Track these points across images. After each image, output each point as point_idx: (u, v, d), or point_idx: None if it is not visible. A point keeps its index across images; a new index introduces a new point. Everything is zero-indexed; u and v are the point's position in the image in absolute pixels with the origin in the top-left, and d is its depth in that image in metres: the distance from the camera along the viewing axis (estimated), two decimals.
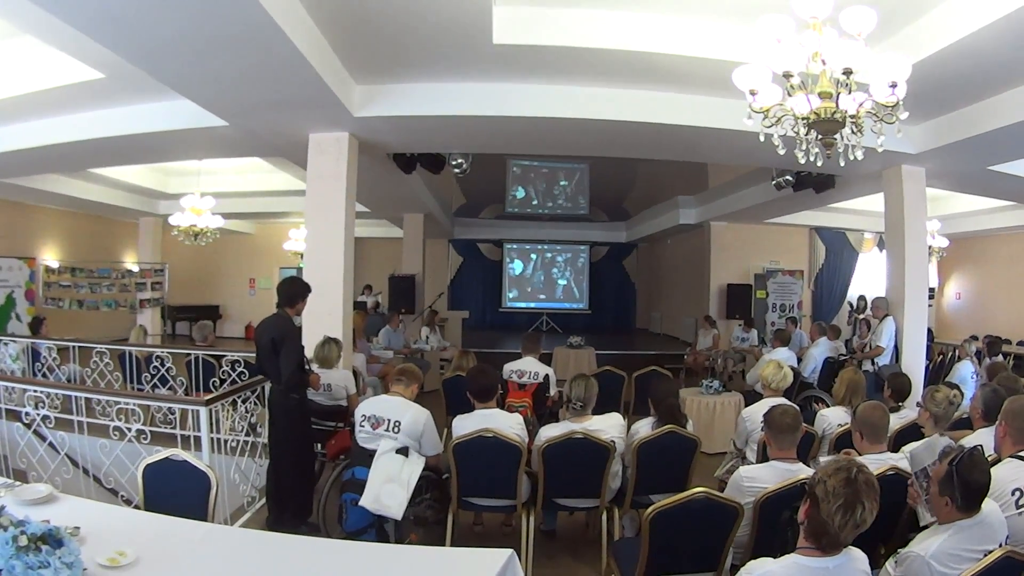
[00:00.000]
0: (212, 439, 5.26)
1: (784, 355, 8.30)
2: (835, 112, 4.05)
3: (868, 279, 16.61)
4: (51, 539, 2.41)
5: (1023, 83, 6.20)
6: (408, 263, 15.24)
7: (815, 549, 2.53)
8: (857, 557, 2.59)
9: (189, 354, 8.44)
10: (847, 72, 3.93)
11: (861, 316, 13.08)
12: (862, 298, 14.13)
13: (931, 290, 15.00)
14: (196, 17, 4.46)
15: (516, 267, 23.36)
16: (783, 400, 5.10)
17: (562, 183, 22.30)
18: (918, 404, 4.86)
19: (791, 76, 4.03)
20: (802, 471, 3.77)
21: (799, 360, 10.13)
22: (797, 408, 4.31)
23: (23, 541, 2.34)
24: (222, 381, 7.72)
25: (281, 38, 4.75)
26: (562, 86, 6.82)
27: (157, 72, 5.57)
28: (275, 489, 5.52)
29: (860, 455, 4.06)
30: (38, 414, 5.66)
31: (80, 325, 14.23)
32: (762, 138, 4.35)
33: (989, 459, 3.41)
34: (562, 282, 23.47)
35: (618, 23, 5.75)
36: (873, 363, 8.59)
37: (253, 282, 21.02)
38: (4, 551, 2.30)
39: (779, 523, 3.28)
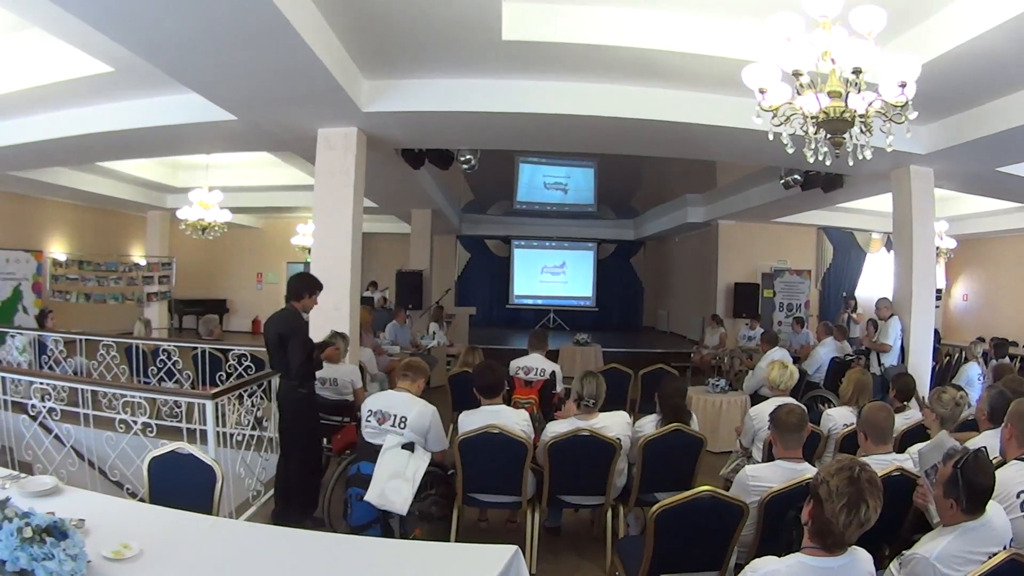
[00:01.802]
0: (218, 433, 5.27)
1: (779, 355, 8.25)
2: (844, 111, 4.04)
3: (875, 279, 16.61)
4: (56, 531, 2.41)
5: None
6: (415, 259, 15.24)
7: (820, 549, 2.52)
8: (862, 558, 2.58)
9: (196, 348, 8.47)
10: (856, 71, 3.92)
11: (855, 314, 13.15)
12: (853, 296, 14.14)
13: (938, 291, 14.95)
14: (206, 12, 4.46)
15: (523, 263, 23.38)
16: (790, 400, 5.09)
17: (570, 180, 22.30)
18: (924, 406, 4.84)
19: (800, 75, 4.02)
20: (807, 471, 3.76)
21: (796, 359, 10.11)
22: (804, 408, 4.30)
23: (28, 533, 2.34)
24: (228, 375, 7.76)
25: (291, 33, 4.75)
26: (571, 83, 6.80)
27: (166, 66, 5.58)
28: (283, 482, 5.54)
29: (865, 456, 4.06)
30: (44, 406, 5.67)
31: (87, 318, 14.24)
32: (771, 137, 4.33)
33: (994, 461, 3.41)
34: (569, 279, 23.45)
35: (627, 20, 5.73)
36: (880, 364, 8.56)
37: (260, 276, 21.09)
38: (9, 542, 2.30)
39: (784, 522, 3.27)
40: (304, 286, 5.71)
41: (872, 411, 4.22)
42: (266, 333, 5.73)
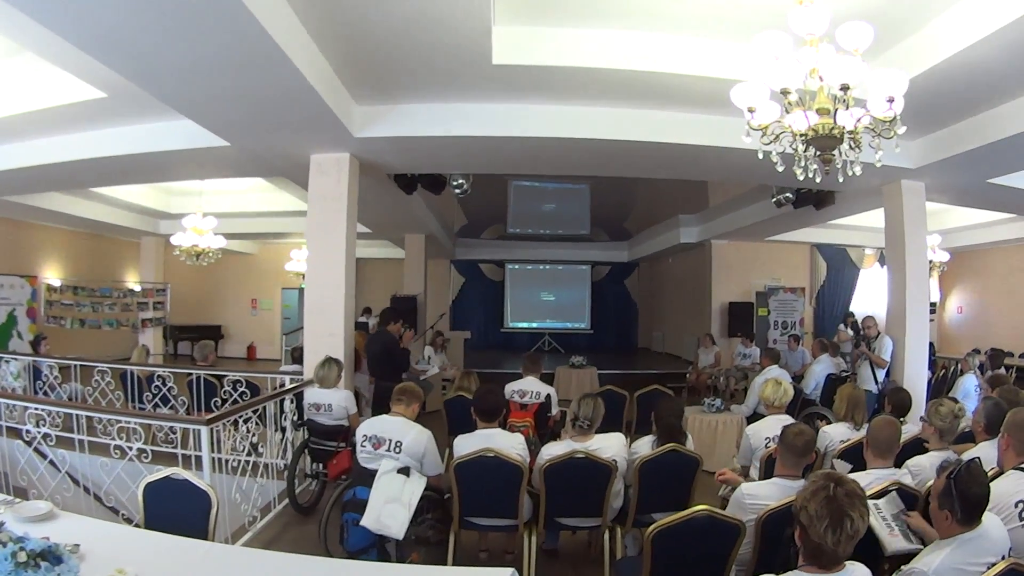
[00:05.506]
0: (213, 459, 5.25)
1: (776, 373, 8.23)
2: (833, 128, 4.06)
3: (869, 295, 16.62)
4: (50, 556, 2.41)
5: (1021, 95, 6.21)
6: (410, 284, 15.24)
7: (816, 567, 2.53)
8: (859, 573, 2.58)
9: (191, 374, 8.45)
10: (844, 88, 3.95)
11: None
12: (851, 314, 14.14)
13: (932, 304, 14.98)
14: (199, 40, 4.49)
15: (517, 287, 23.38)
16: (789, 419, 5.08)
17: (563, 203, 22.33)
18: (922, 419, 4.85)
19: (789, 93, 4.05)
20: None
21: (797, 377, 10.11)
22: (814, 433, 4.29)
23: (22, 557, 2.34)
24: (224, 401, 7.74)
25: (283, 60, 4.78)
26: (562, 106, 6.84)
27: (159, 92, 5.60)
28: None
29: (867, 468, 4.08)
30: (39, 432, 5.65)
31: (82, 344, 14.20)
32: (760, 155, 4.36)
33: (992, 472, 3.41)
34: (563, 302, 23.43)
35: (616, 43, 5.77)
36: (876, 382, 8.54)
37: (255, 302, 21.02)
38: (3, 567, 2.30)
39: (782, 540, 3.26)
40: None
41: (877, 425, 4.25)
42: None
